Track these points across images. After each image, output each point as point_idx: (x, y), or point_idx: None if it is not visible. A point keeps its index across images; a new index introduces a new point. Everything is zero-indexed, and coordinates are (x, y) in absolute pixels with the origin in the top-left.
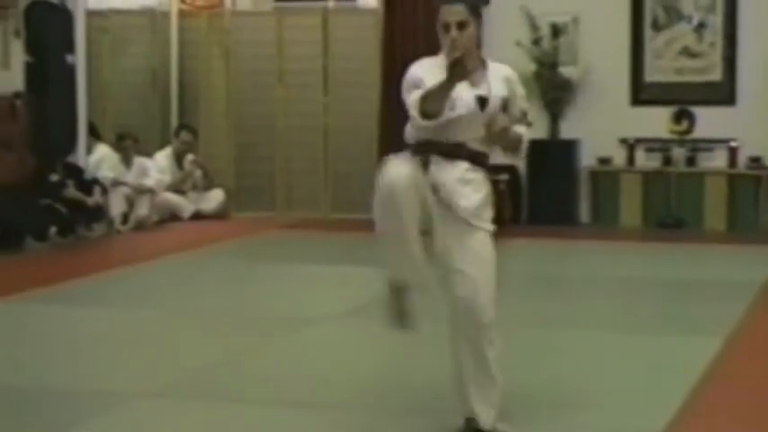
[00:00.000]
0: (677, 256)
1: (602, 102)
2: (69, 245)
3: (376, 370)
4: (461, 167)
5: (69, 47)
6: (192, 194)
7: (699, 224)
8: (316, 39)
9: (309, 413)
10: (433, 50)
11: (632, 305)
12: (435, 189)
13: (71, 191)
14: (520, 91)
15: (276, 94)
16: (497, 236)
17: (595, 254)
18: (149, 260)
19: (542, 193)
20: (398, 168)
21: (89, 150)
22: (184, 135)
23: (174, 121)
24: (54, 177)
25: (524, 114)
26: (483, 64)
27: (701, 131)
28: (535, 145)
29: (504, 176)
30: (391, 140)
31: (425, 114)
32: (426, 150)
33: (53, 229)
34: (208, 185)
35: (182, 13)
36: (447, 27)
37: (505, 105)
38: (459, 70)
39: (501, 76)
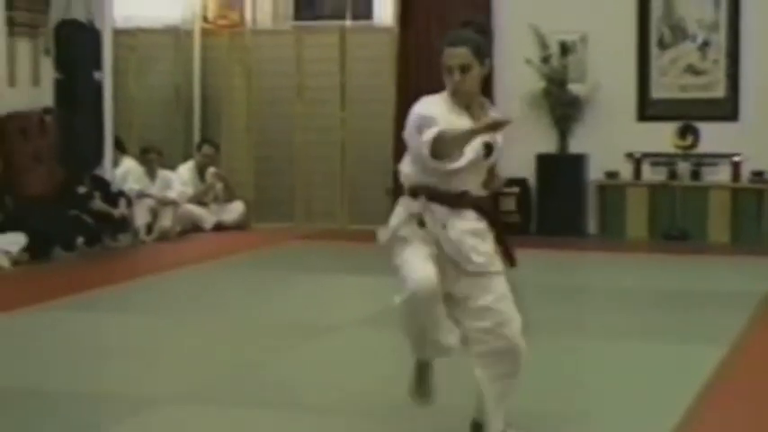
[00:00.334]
0: (682, 268)
1: (609, 117)
2: (96, 254)
3: (392, 377)
4: (469, 218)
5: (97, 64)
6: (214, 206)
7: (703, 236)
8: (333, 56)
9: (328, 418)
10: None
11: (638, 315)
12: (444, 242)
13: (98, 202)
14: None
15: (295, 109)
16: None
17: (602, 264)
18: (173, 269)
19: (551, 205)
20: (423, 272)
21: (115, 163)
22: (206, 149)
23: (197, 136)
24: (82, 189)
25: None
26: (484, 108)
27: (705, 146)
28: (544, 159)
29: (515, 189)
30: (405, 154)
31: (435, 155)
32: (431, 198)
33: (80, 240)
34: (229, 197)
35: (204, 32)
36: (450, 70)
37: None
38: (494, 127)
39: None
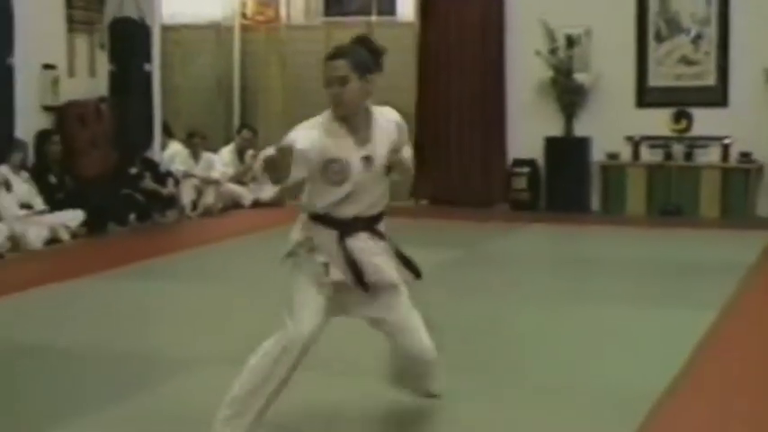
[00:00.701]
0: (676, 240)
1: (610, 104)
2: (146, 229)
3: None
4: (364, 239)
5: (147, 57)
6: (252, 185)
7: (695, 212)
8: None
9: (362, 378)
10: (462, 57)
11: (637, 282)
12: (348, 268)
13: (148, 182)
14: (405, 138)
15: (325, 97)
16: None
17: (605, 237)
18: (215, 242)
19: (558, 184)
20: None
21: (163, 147)
22: (245, 133)
23: (237, 121)
24: (133, 170)
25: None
26: (368, 118)
27: (697, 130)
28: (552, 142)
29: (526, 169)
30: (425, 135)
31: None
32: (330, 225)
33: (132, 216)
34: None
35: (243, 28)
36: (329, 82)
37: (396, 150)
38: (272, 164)
39: (386, 128)
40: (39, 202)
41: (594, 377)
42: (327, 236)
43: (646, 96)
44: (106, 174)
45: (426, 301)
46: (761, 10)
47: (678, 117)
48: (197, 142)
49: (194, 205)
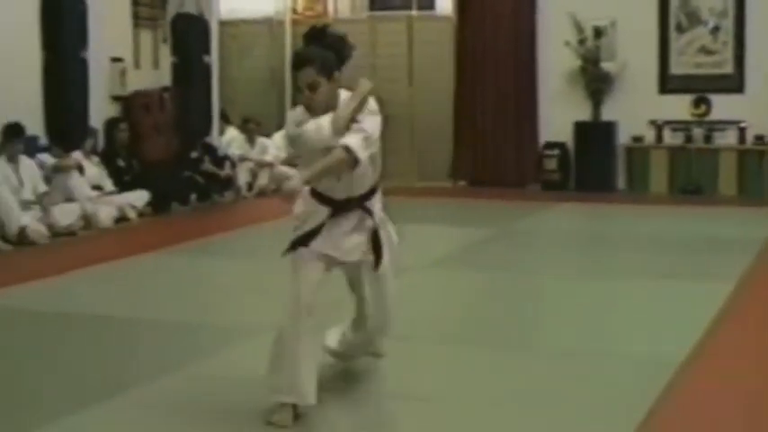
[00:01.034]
0: (696, 217)
1: (635, 90)
2: (206, 208)
3: (461, 309)
4: (351, 218)
5: (206, 50)
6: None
7: (714, 190)
8: (402, 41)
9: (406, 345)
10: (497, 49)
11: (659, 257)
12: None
13: (207, 165)
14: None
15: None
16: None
17: (629, 215)
18: (270, 221)
19: (586, 165)
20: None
21: (221, 132)
22: None
23: (288, 109)
24: (194, 154)
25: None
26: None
27: (716, 114)
28: (581, 126)
29: (556, 152)
30: (463, 121)
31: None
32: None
33: (193, 196)
34: None
35: (294, 22)
36: (300, 88)
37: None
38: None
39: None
40: (108, 184)
41: (620, 345)
42: (322, 211)
43: (668, 83)
44: (169, 158)
45: (462, 275)
46: None
47: (698, 103)
48: (252, 128)
49: (250, 186)
